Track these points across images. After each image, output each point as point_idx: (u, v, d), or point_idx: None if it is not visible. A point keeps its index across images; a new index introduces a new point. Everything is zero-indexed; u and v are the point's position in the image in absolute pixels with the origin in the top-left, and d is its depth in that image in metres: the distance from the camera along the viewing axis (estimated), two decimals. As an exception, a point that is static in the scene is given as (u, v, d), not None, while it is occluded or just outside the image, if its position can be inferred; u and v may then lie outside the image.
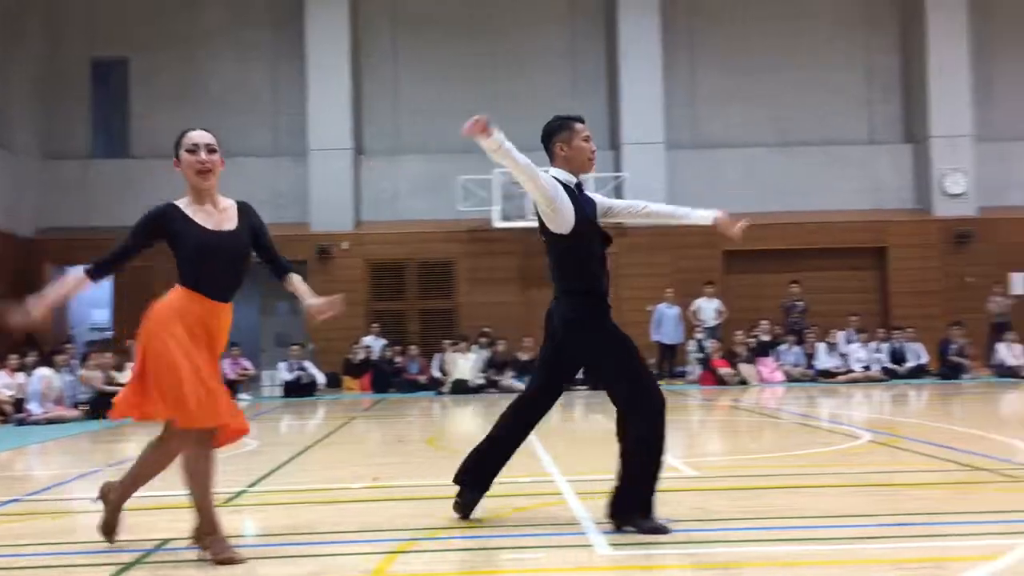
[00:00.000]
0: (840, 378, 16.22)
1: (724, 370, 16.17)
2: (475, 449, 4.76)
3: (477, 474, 4.68)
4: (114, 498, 4.25)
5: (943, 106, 18.08)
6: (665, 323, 16.97)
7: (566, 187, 4.47)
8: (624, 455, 4.34)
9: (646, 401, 4.30)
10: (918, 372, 16.52)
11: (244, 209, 4.18)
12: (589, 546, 4.13)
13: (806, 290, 17.44)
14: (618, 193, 17.93)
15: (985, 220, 18.04)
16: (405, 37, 18.99)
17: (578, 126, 4.56)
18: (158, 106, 18.22)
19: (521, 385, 16.21)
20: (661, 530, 4.24)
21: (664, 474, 4.41)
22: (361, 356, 16.77)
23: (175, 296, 4.02)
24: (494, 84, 18.64)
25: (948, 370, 16.20)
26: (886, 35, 19.00)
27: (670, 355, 17.08)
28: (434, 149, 18.36)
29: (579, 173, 4.57)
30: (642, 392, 4.33)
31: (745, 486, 5.81)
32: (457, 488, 4.70)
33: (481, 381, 16.25)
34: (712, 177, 18.17)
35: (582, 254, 4.49)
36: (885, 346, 16.81)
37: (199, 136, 4.12)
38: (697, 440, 9.18)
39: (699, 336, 16.83)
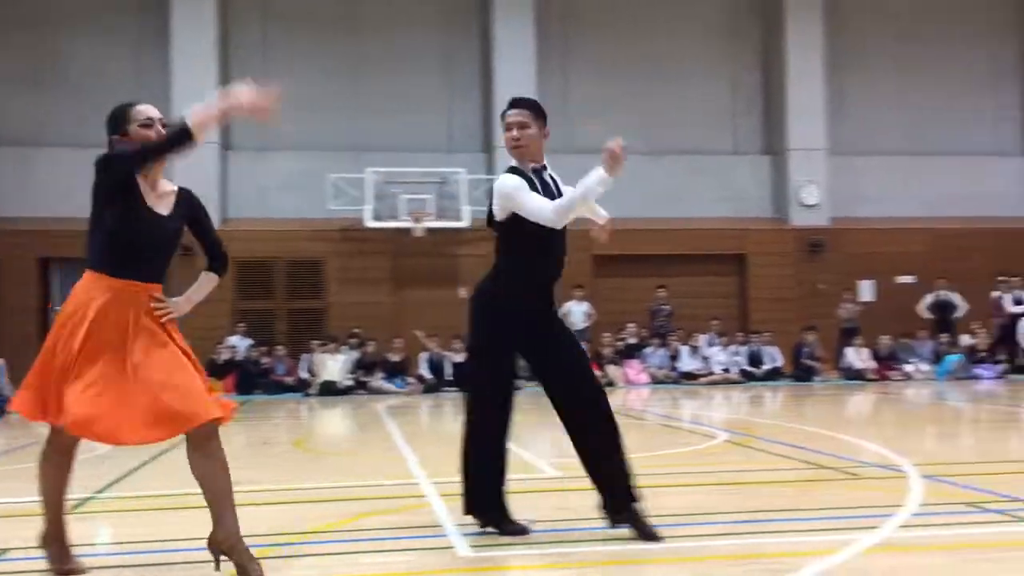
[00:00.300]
0: (702, 380, 16.80)
1: (598, 373, 16.45)
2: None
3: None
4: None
5: (800, 120, 18.95)
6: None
7: (528, 180, 4.38)
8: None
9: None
10: (773, 374, 17.27)
11: (185, 196, 3.83)
12: (450, 548, 4.16)
13: (672, 295, 17.98)
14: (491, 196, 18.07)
15: (836, 230, 18.99)
16: (276, 32, 18.58)
17: (506, 113, 4.47)
18: (10, 90, 17.26)
19: (391, 386, 16.16)
20: (522, 531, 4.31)
21: (527, 475, 4.48)
22: (226, 356, 16.31)
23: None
24: (367, 83, 18.47)
25: (801, 372, 17.00)
26: (749, 49, 19.77)
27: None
28: (304, 146, 18.05)
29: (519, 161, 4.46)
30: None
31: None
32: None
33: (350, 382, 16.07)
34: (584, 182, 18.51)
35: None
36: (743, 349, 17.50)
37: (153, 110, 3.71)
38: (562, 441, 9.31)
39: (568, 338, 17.08)
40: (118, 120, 3.71)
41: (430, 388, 16.06)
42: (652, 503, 5.15)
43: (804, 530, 4.44)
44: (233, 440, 9.79)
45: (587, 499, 5.36)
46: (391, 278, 18.06)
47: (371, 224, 17.41)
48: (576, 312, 17.36)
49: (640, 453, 7.78)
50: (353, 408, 13.34)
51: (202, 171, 17.98)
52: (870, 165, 19.46)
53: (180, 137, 3.46)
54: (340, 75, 18.42)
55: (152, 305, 3.65)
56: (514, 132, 4.39)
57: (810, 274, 18.89)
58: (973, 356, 17.08)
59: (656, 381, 16.87)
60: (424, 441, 8.31)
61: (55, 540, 3.76)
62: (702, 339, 17.51)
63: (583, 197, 4.19)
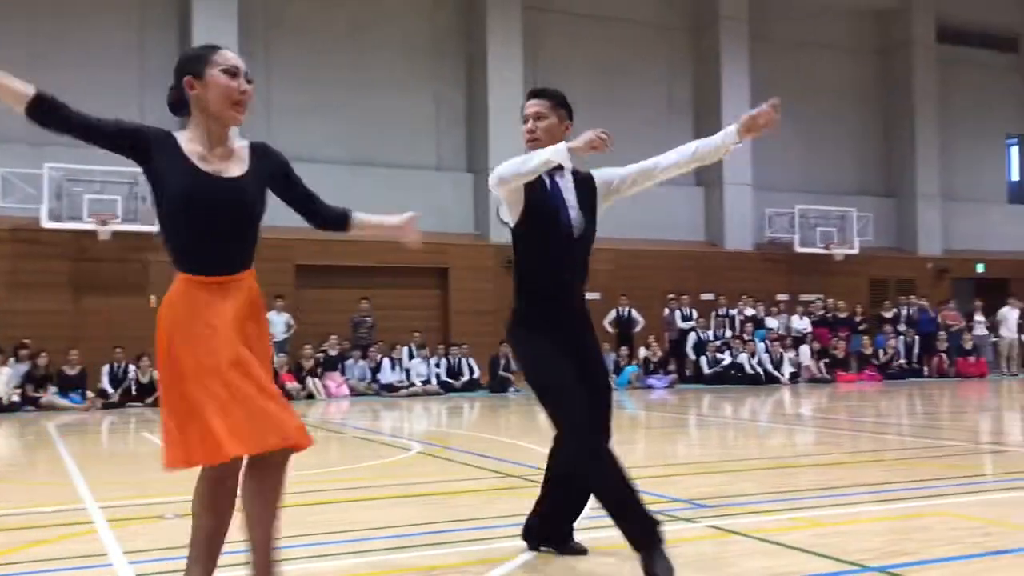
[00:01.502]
0: (402, 392, 16.94)
1: (291, 384, 16.10)
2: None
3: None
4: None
5: (500, 140, 19.70)
6: (232, 336, 16.49)
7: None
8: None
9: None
10: (471, 386, 17.77)
11: (260, 150, 3.33)
12: (114, 578, 3.83)
13: (374, 307, 18.00)
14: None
15: (533, 247, 19.90)
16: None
17: (524, 105, 4.02)
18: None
19: (66, 402, 14.80)
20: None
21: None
22: None
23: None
24: (54, 74, 16.85)
25: (497, 384, 17.62)
26: (453, 68, 20.30)
27: (236, 369, 16.63)
28: (-30, 136, 16.18)
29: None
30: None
31: (297, 503, 5.75)
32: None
33: (16, 398, 14.54)
34: (286, 190, 18.10)
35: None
36: (443, 361, 17.86)
37: (236, 58, 3.17)
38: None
39: (267, 350, 16.58)
40: (192, 60, 3.17)
41: (112, 404, 14.92)
42: (339, 517, 5.09)
43: (489, 538, 4.55)
44: None
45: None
46: (70, 284, 16.59)
47: (48, 224, 15.92)
48: (276, 323, 16.88)
49: (334, 467, 7.69)
50: (19, 427, 12.06)
51: None
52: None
53: None
54: (21, 63, 16.68)
55: None
56: (529, 124, 3.94)
57: (508, 289, 19.60)
58: (647, 367, 18.62)
59: (357, 393, 16.78)
60: (96, 462, 7.65)
61: None
62: (403, 351, 17.67)
63: (543, 163, 3.63)
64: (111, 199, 16.29)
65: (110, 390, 15.25)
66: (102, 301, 16.56)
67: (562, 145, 3.57)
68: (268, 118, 18.70)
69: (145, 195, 16.48)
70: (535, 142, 3.90)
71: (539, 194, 3.83)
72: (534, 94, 4.01)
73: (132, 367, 15.43)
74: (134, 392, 15.28)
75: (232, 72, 3.15)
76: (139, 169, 3.20)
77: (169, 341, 2.99)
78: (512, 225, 3.88)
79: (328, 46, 19.16)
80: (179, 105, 3.24)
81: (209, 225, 3.07)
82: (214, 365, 2.91)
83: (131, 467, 7.85)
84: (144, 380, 15.11)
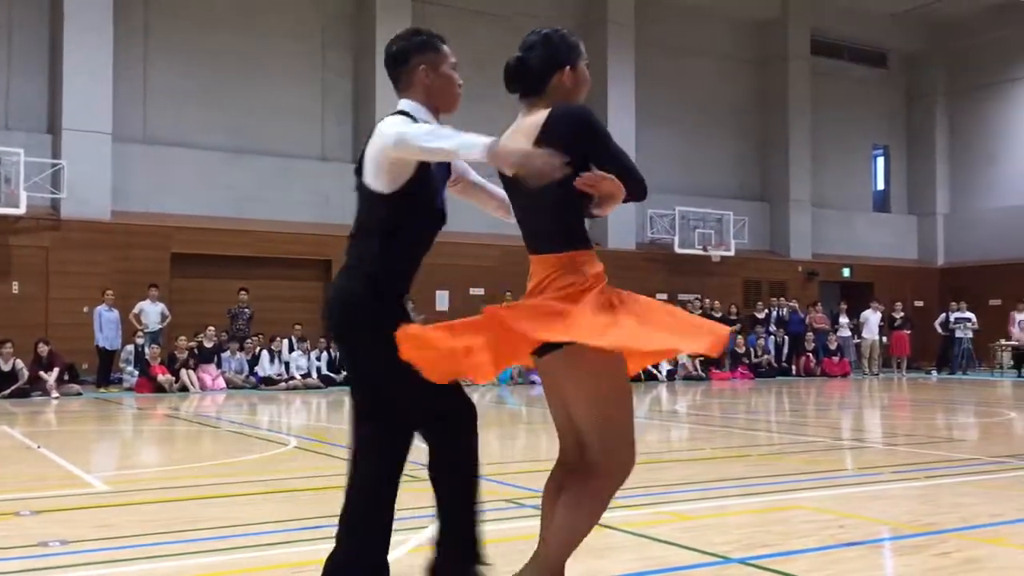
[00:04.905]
0: (281, 385, 16.63)
1: (164, 377, 15.60)
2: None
3: None
4: None
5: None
6: (105, 327, 15.87)
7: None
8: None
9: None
10: (353, 379, 17.55)
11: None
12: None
13: (253, 298, 17.60)
14: (55, 182, 16.40)
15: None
16: None
17: (445, 48, 3.27)
18: None
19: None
20: None
21: (70, 491, 4.07)
22: None
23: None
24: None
25: (379, 378, 17.48)
26: (341, 60, 20.02)
27: (108, 360, 16.03)
28: None
29: (442, 112, 3.29)
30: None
31: (162, 499, 5.61)
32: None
33: None
34: (163, 176, 17.52)
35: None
36: (324, 355, 17.61)
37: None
38: (123, 452, 8.70)
39: (140, 341, 16.04)
40: (573, 49, 3.06)
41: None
42: (206, 514, 4.97)
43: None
44: None
45: (137, 514, 5.02)
46: None
47: None
48: (151, 312, 16.34)
49: (204, 462, 7.52)
50: None
51: None
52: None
53: None
54: None
55: None
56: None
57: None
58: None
59: (233, 386, 16.39)
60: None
61: None
62: (283, 344, 17.35)
63: (459, 149, 2.83)
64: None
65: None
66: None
67: (485, 141, 2.77)
68: (144, 101, 18.09)
69: (10, 176, 15.70)
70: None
71: (426, 170, 3.15)
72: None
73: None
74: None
75: (589, 66, 3.13)
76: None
77: None
78: (384, 191, 3.11)
79: (211, 29, 18.61)
80: (534, 80, 3.06)
81: None
82: None
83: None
84: (6, 368, 14.36)
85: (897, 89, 27.91)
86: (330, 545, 3.20)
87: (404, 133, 2.95)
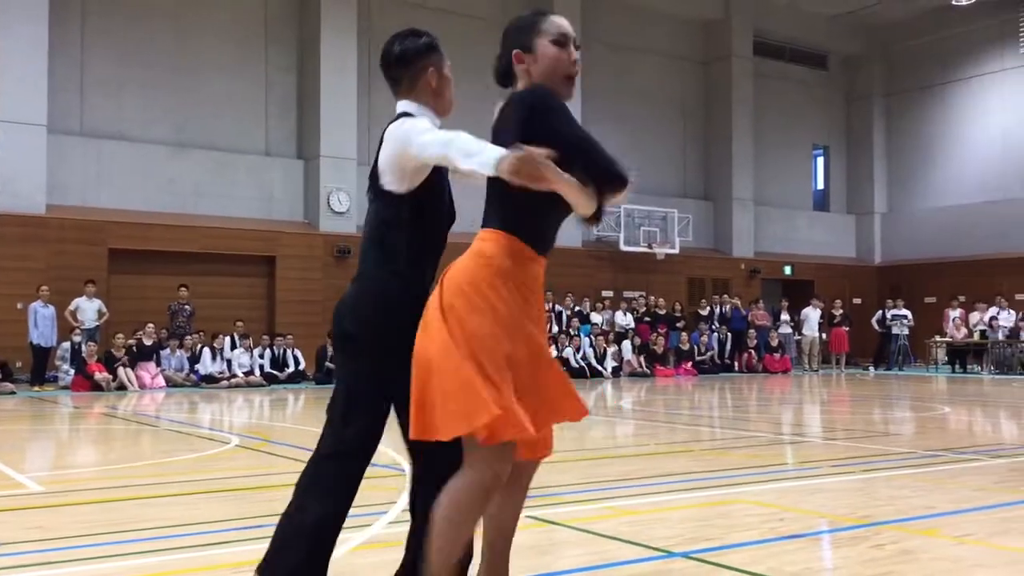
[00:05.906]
0: (223, 383, 16.39)
1: (101, 375, 15.27)
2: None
3: None
4: None
5: (332, 129, 19.37)
6: (40, 323, 15.49)
7: None
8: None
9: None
10: (297, 377, 17.39)
11: None
12: None
13: (194, 294, 17.32)
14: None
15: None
16: None
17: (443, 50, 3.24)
18: None
19: None
20: None
21: (2, 493, 3.95)
22: None
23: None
24: None
25: (324, 376, 17.32)
26: (285, 55, 19.78)
27: (43, 358, 15.65)
28: None
29: (440, 116, 3.21)
30: None
31: (98, 499, 5.49)
32: None
33: None
34: (100, 169, 17.16)
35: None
36: (267, 352, 17.40)
37: (566, 25, 2.89)
38: (58, 452, 8.49)
39: (76, 338, 15.68)
40: (523, 30, 2.92)
41: None
42: (143, 514, 4.87)
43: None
44: None
45: (71, 515, 4.90)
46: None
47: None
48: (87, 309, 16.00)
49: (142, 461, 7.37)
50: None
51: None
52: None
53: None
54: None
55: None
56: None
57: (337, 279, 19.35)
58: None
59: (173, 384, 16.12)
60: None
61: None
62: (225, 341, 17.10)
63: (482, 167, 2.70)
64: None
65: None
66: None
67: (498, 155, 2.62)
68: (81, 91, 17.70)
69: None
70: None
71: (440, 171, 3.14)
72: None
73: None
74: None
75: (561, 42, 2.91)
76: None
77: None
78: (403, 192, 3.09)
79: (152, 19, 18.26)
80: (507, 76, 2.99)
81: None
82: None
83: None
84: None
85: (837, 90, 28.45)
86: (253, 547, 3.15)
87: (443, 139, 2.84)
